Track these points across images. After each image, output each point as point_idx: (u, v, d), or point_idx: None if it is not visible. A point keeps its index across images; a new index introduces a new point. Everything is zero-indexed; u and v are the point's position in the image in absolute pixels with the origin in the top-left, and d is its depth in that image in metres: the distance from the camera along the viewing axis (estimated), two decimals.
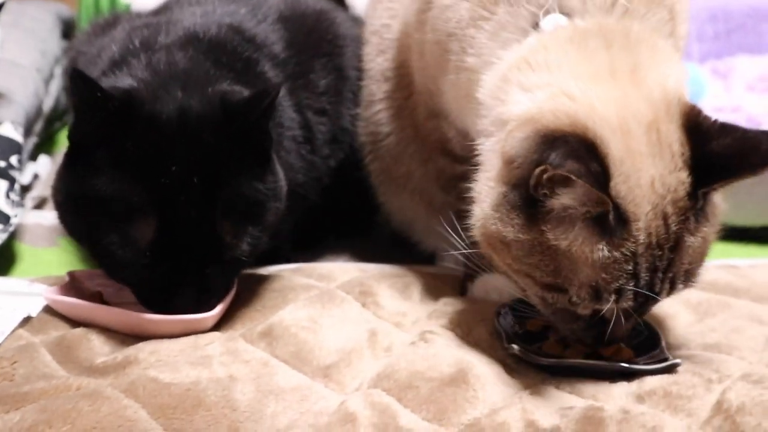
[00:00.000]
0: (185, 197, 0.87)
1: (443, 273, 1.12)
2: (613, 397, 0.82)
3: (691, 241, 0.79)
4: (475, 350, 0.90)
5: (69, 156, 0.92)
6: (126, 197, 0.87)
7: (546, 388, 0.84)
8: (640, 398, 0.81)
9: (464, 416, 0.78)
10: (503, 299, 0.96)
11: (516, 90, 0.84)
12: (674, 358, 0.86)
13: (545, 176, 0.76)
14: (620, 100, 0.80)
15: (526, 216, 0.79)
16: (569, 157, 0.74)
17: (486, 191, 0.83)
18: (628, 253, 0.77)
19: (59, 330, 0.93)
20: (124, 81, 0.94)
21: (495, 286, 0.99)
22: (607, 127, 0.78)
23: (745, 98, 1.59)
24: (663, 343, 0.88)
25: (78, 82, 0.87)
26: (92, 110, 0.88)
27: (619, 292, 0.77)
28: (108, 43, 1.06)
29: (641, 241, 0.77)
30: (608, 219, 0.76)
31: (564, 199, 0.77)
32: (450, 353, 0.87)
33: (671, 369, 0.85)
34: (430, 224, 1.17)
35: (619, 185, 0.76)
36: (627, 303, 0.78)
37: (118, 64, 0.99)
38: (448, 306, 1.00)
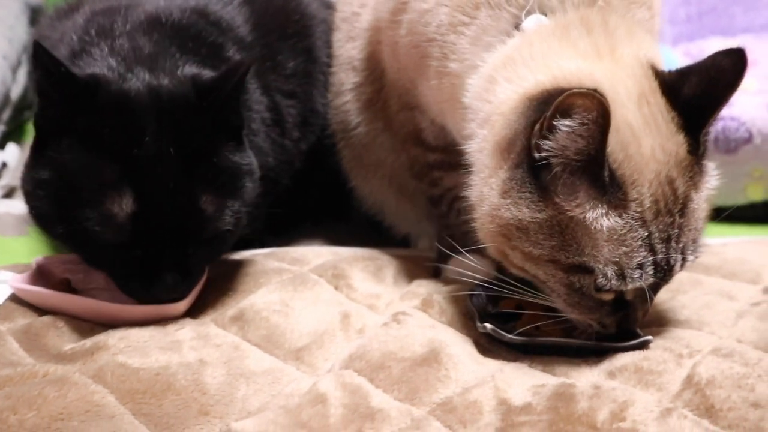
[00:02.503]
0: (162, 169, 0.86)
1: (417, 255, 1.12)
2: (585, 374, 0.82)
3: (697, 200, 0.81)
4: (448, 330, 0.90)
5: (36, 143, 0.91)
6: (100, 173, 0.85)
7: (519, 366, 0.84)
8: (611, 374, 0.81)
9: (436, 395, 0.78)
10: (477, 280, 0.96)
11: (502, 85, 0.84)
12: (646, 334, 0.87)
13: (546, 120, 0.75)
14: (608, 75, 0.80)
15: (538, 190, 0.78)
16: (570, 93, 0.74)
17: (487, 188, 0.82)
18: (637, 221, 0.77)
19: (27, 318, 0.92)
20: (89, 66, 0.93)
21: (468, 266, 0.99)
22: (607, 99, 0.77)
23: None
24: None
25: (42, 58, 0.85)
26: (57, 90, 0.86)
27: (642, 267, 0.78)
28: (69, 29, 1.04)
29: (647, 206, 0.77)
30: (603, 177, 0.76)
31: (561, 138, 0.75)
32: (422, 333, 0.87)
33: (643, 345, 0.85)
34: (401, 209, 1.17)
35: (615, 152, 0.77)
36: (649, 280, 0.79)
37: (78, 54, 0.97)
38: (421, 287, 1.00)
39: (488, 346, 0.88)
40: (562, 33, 0.85)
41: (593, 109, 0.73)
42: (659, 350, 0.85)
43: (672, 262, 0.80)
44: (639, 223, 0.77)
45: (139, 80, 0.90)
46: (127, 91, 0.88)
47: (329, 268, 1.02)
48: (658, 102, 0.81)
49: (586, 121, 0.74)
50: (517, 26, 0.87)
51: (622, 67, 0.82)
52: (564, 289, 0.81)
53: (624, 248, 0.77)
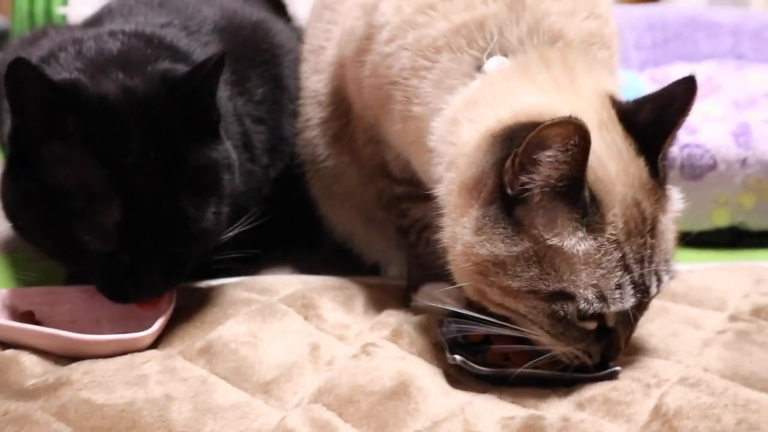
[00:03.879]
0: (146, 174, 0.87)
1: (387, 284, 1.12)
2: (555, 405, 0.82)
3: (665, 222, 0.82)
4: (418, 361, 0.89)
5: (12, 158, 0.90)
6: (86, 183, 0.86)
7: (488, 398, 0.84)
8: (580, 405, 0.82)
9: (405, 430, 0.78)
10: (446, 309, 0.96)
11: (465, 126, 0.85)
12: (614, 364, 0.87)
13: (518, 156, 0.77)
14: (568, 106, 0.81)
15: (513, 224, 0.79)
16: (545, 125, 0.75)
17: (459, 228, 0.82)
18: (612, 243, 0.78)
19: None
20: (57, 73, 0.92)
21: (438, 296, 0.99)
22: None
23: None
24: None
25: (20, 68, 0.84)
26: (37, 100, 0.85)
27: (620, 287, 0.78)
28: (34, 52, 1.03)
29: (620, 227, 0.78)
30: (583, 196, 0.77)
31: (544, 169, 0.76)
32: (392, 365, 0.86)
33: (612, 376, 0.86)
34: (370, 237, 1.17)
35: (588, 175, 0.78)
36: (629, 301, 0.79)
37: (45, 59, 0.97)
38: (391, 317, 0.99)
39: (458, 377, 0.87)
40: (522, 71, 0.86)
41: (573, 134, 0.75)
42: (627, 380, 0.85)
43: (647, 282, 0.81)
44: (614, 245, 0.78)
45: (112, 81, 0.90)
46: (105, 96, 0.89)
47: (299, 298, 1.02)
48: (616, 129, 0.83)
49: (569, 147, 0.75)
50: (479, 68, 0.88)
51: (581, 99, 0.84)
52: (547, 320, 0.81)
53: (601, 270, 0.78)
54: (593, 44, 0.91)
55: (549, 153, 0.76)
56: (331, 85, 1.11)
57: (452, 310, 0.93)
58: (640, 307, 0.83)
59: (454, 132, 0.86)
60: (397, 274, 1.15)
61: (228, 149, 0.97)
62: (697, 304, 1.05)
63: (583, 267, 0.78)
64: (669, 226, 0.83)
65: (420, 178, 0.97)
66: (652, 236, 0.81)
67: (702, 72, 1.72)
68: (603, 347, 0.84)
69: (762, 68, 1.72)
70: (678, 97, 0.82)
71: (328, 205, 1.19)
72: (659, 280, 0.82)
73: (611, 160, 0.81)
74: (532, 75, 0.85)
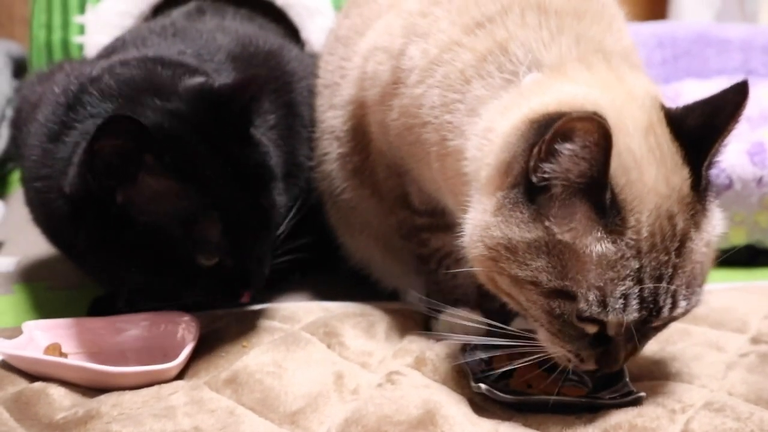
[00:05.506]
0: (226, 182, 0.92)
1: (407, 309, 1.12)
2: None
3: (697, 242, 0.79)
4: (442, 389, 0.90)
5: (80, 207, 0.91)
6: (181, 207, 0.90)
7: (514, 425, 0.84)
8: None
9: None
10: (468, 335, 0.96)
11: (500, 125, 0.84)
12: (638, 389, 0.87)
13: (545, 143, 0.75)
14: (616, 103, 0.80)
15: (530, 211, 0.78)
16: (570, 117, 0.74)
17: (480, 209, 0.82)
18: (631, 249, 0.76)
19: (16, 385, 0.91)
20: (104, 108, 0.95)
21: (459, 322, 1.00)
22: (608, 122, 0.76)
23: None
24: (627, 377, 0.89)
25: (131, 126, 0.86)
26: (130, 149, 0.88)
27: (626, 298, 0.76)
28: (49, 87, 1.05)
29: (644, 236, 0.76)
30: (604, 199, 0.75)
31: (564, 161, 0.75)
32: (417, 394, 0.87)
33: (636, 402, 0.86)
34: (388, 264, 1.18)
35: (617, 176, 0.76)
36: (632, 314, 0.77)
37: (71, 106, 0.98)
38: (413, 344, 1.00)
39: (483, 405, 0.88)
40: (561, 74, 0.84)
41: (594, 131, 0.73)
42: (652, 406, 0.86)
43: (660, 302, 0.77)
44: (632, 252, 0.76)
45: (151, 108, 0.93)
46: (159, 122, 0.92)
47: (321, 326, 1.02)
48: (664, 133, 0.80)
49: (588, 144, 0.74)
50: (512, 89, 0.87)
51: (631, 97, 0.82)
52: (545, 316, 0.80)
53: (611, 274, 0.76)
54: (629, 59, 0.90)
55: (569, 146, 0.75)
56: (349, 123, 1.11)
57: (473, 336, 0.94)
58: (647, 324, 0.79)
59: (488, 140, 0.84)
60: (416, 300, 1.16)
61: (265, 145, 1.02)
62: (717, 326, 1.05)
63: (594, 266, 0.76)
64: (700, 247, 0.79)
65: (443, 209, 0.98)
66: (678, 255, 0.77)
67: (712, 88, 1.72)
68: (598, 355, 0.82)
69: None
70: (729, 103, 0.79)
71: (346, 234, 1.20)
72: (674, 305, 0.78)
73: (651, 165, 0.78)
74: (572, 76, 0.84)
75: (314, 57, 1.32)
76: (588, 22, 0.89)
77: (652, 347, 1.00)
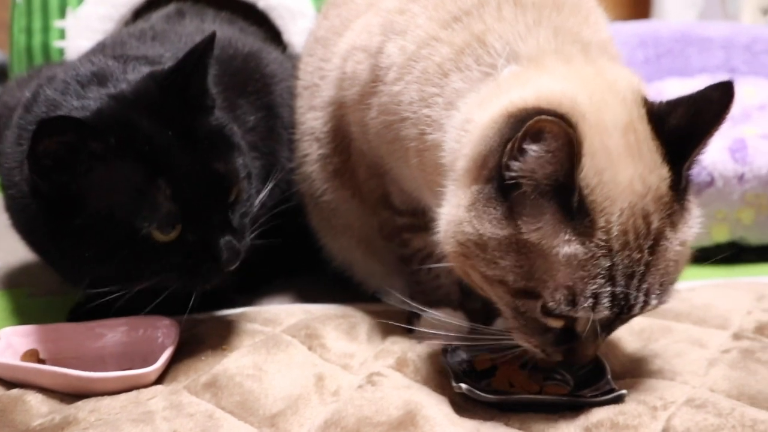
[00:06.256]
0: (173, 150, 0.91)
1: (389, 311, 1.11)
2: (562, 430, 0.82)
3: (672, 240, 0.78)
4: (423, 390, 0.89)
5: (41, 205, 0.91)
6: (131, 182, 0.89)
7: (495, 425, 0.83)
8: (588, 430, 0.81)
9: None
10: (450, 335, 0.96)
11: (479, 116, 0.83)
12: (620, 386, 0.87)
13: (516, 141, 0.75)
14: (594, 98, 0.79)
15: (503, 208, 0.77)
16: (542, 115, 0.73)
17: (454, 203, 0.81)
18: (602, 249, 0.75)
19: None
20: (44, 112, 0.94)
21: (441, 323, 0.99)
22: (584, 123, 0.76)
23: None
24: (608, 374, 0.88)
25: (54, 124, 0.86)
26: (72, 142, 0.87)
27: (596, 297, 0.76)
28: (23, 91, 1.05)
29: (614, 234, 0.75)
30: (572, 202, 0.75)
31: (531, 162, 0.75)
32: (397, 395, 0.86)
33: (618, 400, 0.85)
34: (370, 266, 1.17)
35: (589, 177, 0.75)
36: (603, 312, 0.76)
37: (30, 101, 0.97)
38: (395, 345, 0.99)
39: (464, 405, 0.87)
40: (539, 66, 0.84)
41: (561, 137, 0.73)
42: (634, 403, 0.85)
43: (632, 300, 0.77)
44: (603, 251, 0.75)
45: (100, 96, 0.93)
46: (100, 108, 0.91)
47: (302, 328, 1.02)
48: (644, 130, 0.79)
49: (553, 149, 0.74)
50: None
51: (612, 92, 0.80)
52: (511, 311, 0.81)
53: (581, 273, 0.75)
54: (606, 51, 0.89)
55: (536, 147, 0.74)
56: (330, 124, 1.11)
57: (455, 336, 0.94)
58: (615, 320, 0.79)
59: (466, 131, 0.83)
60: (398, 302, 1.15)
61: (232, 128, 1.00)
62: (700, 323, 1.05)
63: (561, 267, 0.75)
64: (675, 245, 0.78)
65: (423, 209, 0.98)
66: (651, 253, 0.77)
67: (695, 86, 1.73)
68: (565, 351, 0.82)
69: (754, 81, 1.74)
70: (714, 103, 0.78)
71: (328, 236, 1.19)
72: (646, 302, 0.78)
73: (628, 163, 0.77)
74: (551, 68, 0.83)
75: (296, 59, 1.31)
76: (566, 14, 0.88)
77: (634, 345, 1.01)
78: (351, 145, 1.08)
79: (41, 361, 0.95)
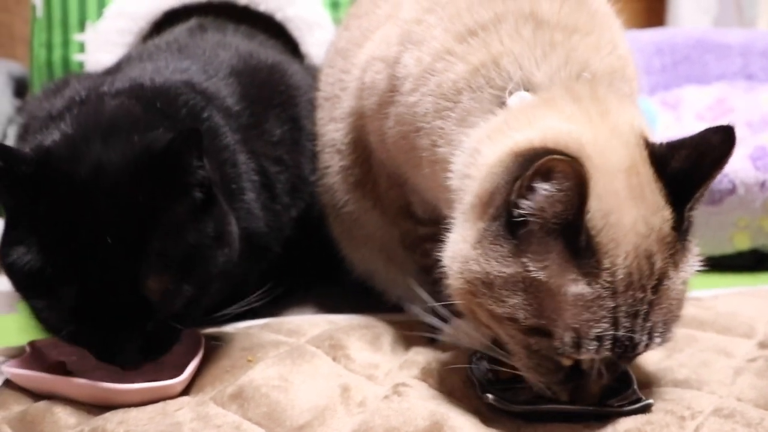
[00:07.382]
0: (101, 260, 0.83)
1: (412, 321, 1.11)
2: None
3: (674, 279, 0.79)
4: (449, 400, 0.89)
5: (6, 223, 0.90)
6: (44, 267, 0.84)
7: None
8: None
9: None
10: (474, 346, 0.96)
11: (487, 151, 0.84)
12: (646, 396, 0.87)
13: (525, 179, 0.75)
14: (600, 141, 0.80)
15: (510, 246, 0.78)
16: (553, 155, 0.74)
17: (460, 240, 0.82)
18: (606, 290, 0.76)
19: (21, 404, 0.90)
20: (51, 136, 0.92)
21: (465, 332, 0.99)
22: (590, 165, 0.77)
23: (696, 127, 1.61)
24: (635, 384, 0.88)
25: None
26: (5, 177, 0.85)
27: (600, 340, 0.77)
28: (56, 103, 1.05)
29: (619, 277, 0.76)
30: (579, 241, 0.75)
31: (541, 201, 0.75)
32: (424, 406, 0.86)
33: (645, 410, 0.85)
34: (391, 276, 1.17)
35: (595, 219, 0.76)
36: (603, 353, 0.77)
37: (54, 119, 0.98)
38: (419, 355, 0.99)
39: (490, 415, 0.87)
40: (547, 103, 0.85)
41: (572, 177, 0.74)
42: (661, 413, 0.85)
43: (636, 340, 0.78)
44: (608, 292, 0.76)
45: (89, 153, 0.88)
46: (72, 174, 0.86)
47: (326, 339, 1.02)
48: (647, 173, 0.81)
49: (564, 188, 0.74)
50: (501, 104, 0.88)
51: (616, 134, 0.82)
52: (523, 351, 0.81)
53: (587, 315, 0.76)
54: (616, 78, 0.90)
55: (547, 186, 0.75)
56: (350, 136, 1.11)
57: (480, 346, 0.94)
58: (618, 363, 0.80)
59: (474, 162, 0.85)
60: (421, 312, 1.15)
61: (223, 217, 0.92)
62: (724, 332, 1.04)
63: (569, 307, 0.76)
64: (677, 284, 0.80)
65: (445, 217, 0.98)
66: (655, 292, 0.78)
67: (713, 93, 1.73)
68: (571, 390, 0.82)
69: None
70: (715, 147, 0.79)
71: (349, 246, 1.20)
72: (650, 340, 0.79)
73: (631, 206, 0.78)
74: (560, 107, 0.84)
75: (313, 70, 1.32)
76: (577, 37, 0.89)
77: (658, 354, 1.00)
78: (371, 156, 1.09)
79: (68, 373, 0.96)
